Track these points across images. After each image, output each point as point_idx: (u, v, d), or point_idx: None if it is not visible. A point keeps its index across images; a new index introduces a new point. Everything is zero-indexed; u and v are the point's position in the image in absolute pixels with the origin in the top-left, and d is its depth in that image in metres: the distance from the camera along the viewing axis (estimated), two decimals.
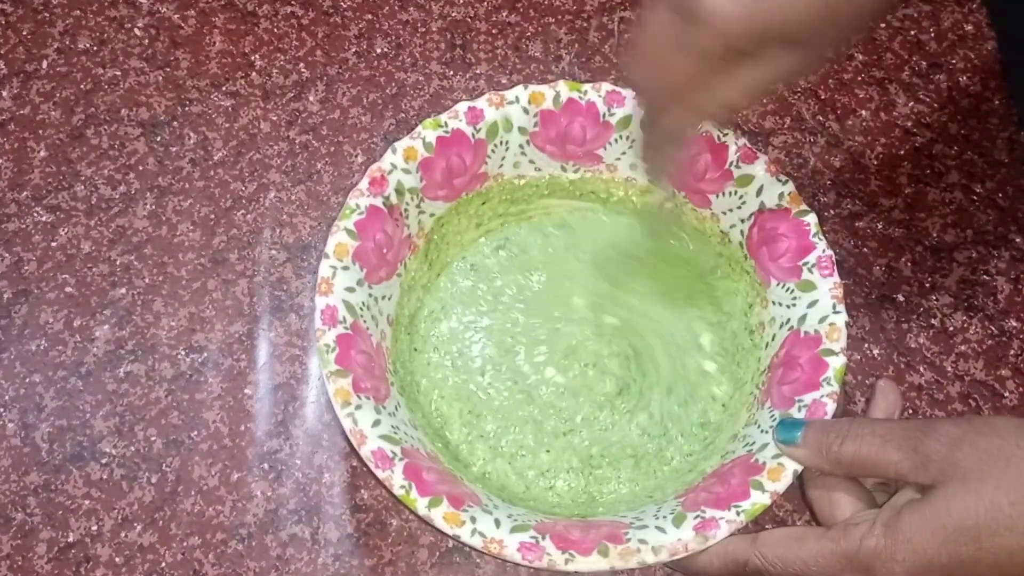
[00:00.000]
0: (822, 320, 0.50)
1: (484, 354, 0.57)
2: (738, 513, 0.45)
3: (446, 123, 0.54)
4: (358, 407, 0.47)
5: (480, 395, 0.56)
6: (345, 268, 0.51)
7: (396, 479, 0.45)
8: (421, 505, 0.45)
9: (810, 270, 0.51)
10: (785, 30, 0.41)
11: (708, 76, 0.43)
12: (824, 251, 0.52)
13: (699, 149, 0.54)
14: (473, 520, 0.45)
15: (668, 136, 0.48)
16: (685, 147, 0.51)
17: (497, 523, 0.45)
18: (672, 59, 0.43)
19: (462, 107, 0.55)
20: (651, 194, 0.58)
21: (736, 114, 0.47)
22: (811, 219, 0.52)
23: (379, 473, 0.45)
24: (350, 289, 0.50)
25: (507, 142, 0.56)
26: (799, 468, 0.46)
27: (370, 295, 0.52)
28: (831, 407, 0.47)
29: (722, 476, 0.48)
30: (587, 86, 0.55)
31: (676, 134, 0.48)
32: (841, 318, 0.50)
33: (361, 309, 0.51)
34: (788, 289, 0.52)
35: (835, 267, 0.51)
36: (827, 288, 0.51)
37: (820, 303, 0.50)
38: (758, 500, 0.45)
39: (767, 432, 0.48)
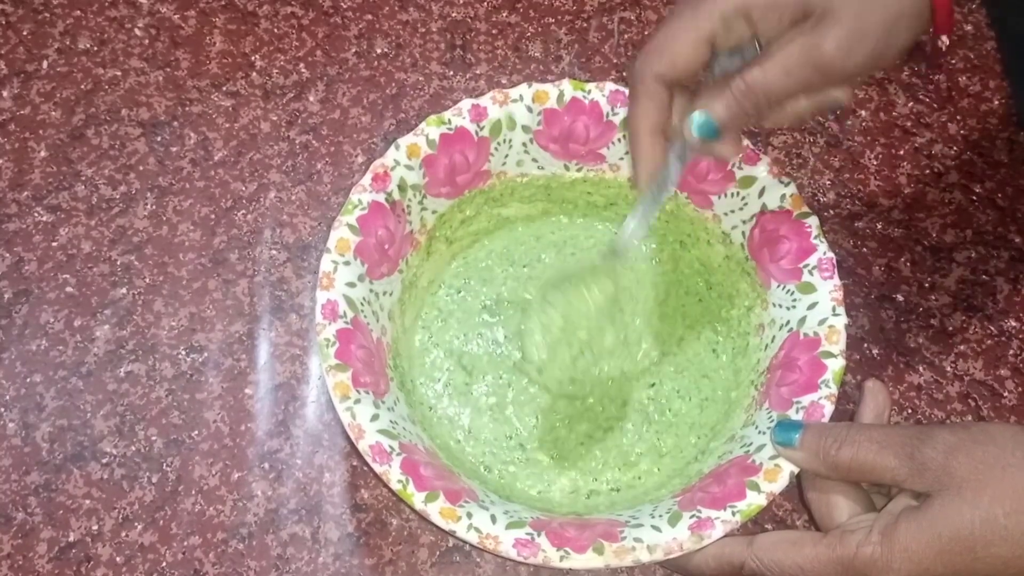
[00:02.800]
0: (822, 322, 0.50)
1: (483, 352, 0.57)
2: (734, 513, 0.45)
3: (450, 120, 0.54)
4: (357, 401, 0.47)
5: (478, 393, 0.56)
6: (347, 263, 0.51)
7: (393, 473, 0.45)
8: (418, 499, 0.45)
9: (811, 272, 0.52)
10: (850, 72, 0.42)
11: (696, 41, 0.43)
12: (825, 253, 0.52)
13: None
14: (469, 516, 0.45)
15: (656, 136, 0.47)
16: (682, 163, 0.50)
17: (493, 519, 0.45)
18: (683, 27, 0.43)
19: (466, 104, 0.55)
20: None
21: (764, 109, 0.46)
22: (812, 221, 0.52)
23: (376, 467, 0.45)
24: (351, 284, 0.50)
25: (510, 140, 0.56)
26: (796, 470, 0.46)
27: (371, 290, 0.52)
28: (829, 409, 0.48)
29: (719, 476, 0.48)
30: (591, 85, 0.55)
31: (698, 129, 0.46)
32: (840, 321, 0.50)
33: (362, 304, 0.51)
34: (788, 291, 0.52)
35: (835, 269, 0.51)
36: (827, 290, 0.51)
37: (820, 305, 0.51)
38: (754, 501, 0.45)
39: (764, 433, 0.48)
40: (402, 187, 0.53)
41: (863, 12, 0.41)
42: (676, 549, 0.45)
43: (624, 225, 0.49)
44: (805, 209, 0.53)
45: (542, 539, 0.45)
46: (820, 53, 0.41)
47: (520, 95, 0.55)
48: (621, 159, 0.57)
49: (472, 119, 0.55)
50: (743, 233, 0.55)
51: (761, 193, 0.54)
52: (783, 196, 0.53)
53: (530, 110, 0.55)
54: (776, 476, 0.46)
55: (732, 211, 0.55)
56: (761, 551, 0.44)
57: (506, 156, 0.56)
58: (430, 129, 0.54)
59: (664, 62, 0.44)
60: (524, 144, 0.56)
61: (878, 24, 0.42)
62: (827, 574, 0.43)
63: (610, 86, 0.55)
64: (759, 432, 0.49)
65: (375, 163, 0.53)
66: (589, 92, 0.55)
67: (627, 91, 0.54)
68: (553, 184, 0.58)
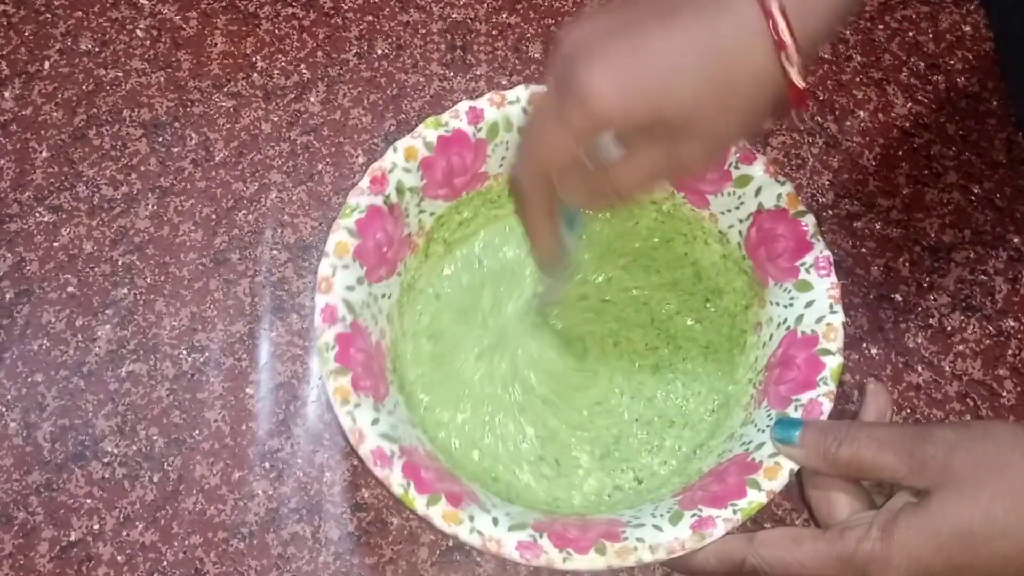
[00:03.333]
0: (819, 320, 0.50)
1: (481, 353, 0.57)
2: (735, 512, 0.45)
3: (447, 122, 0.54)
4: (357, 405, 0.47)
5: (477, 394, 0.56)
6: (345, 267, 0.51)
7: (395, 477, 0.45)
8: (419, 503, 0.45)
9: (807, 270, 0.52)
10: (667, 116, 0.40)
11: (580, 158, 0.42)
12: (822, 251, 0.52)
13: None
14: (471, 518, 0.45)
15: (559, 218, 0.48)
16: (578, 231, 0.51)
17: (495, 521, 0.45)
18: (550, 134, 0.42)
19: (463, 107, 0.55)
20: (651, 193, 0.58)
21: (632, 201, 0.46)
22: (809, 220, 0.53)
23: (378, 472, 0.45)
24: (350, 288, 0.50)
25: (507, 142, 0.56)
26: (795, 467, 0.46)
27: (370, 294, 0.52)
28: (827, 406, 0.48)
29: (719, 475, 0.48)
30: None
31: (566, 218, 0.47)
32: (838, 318, 0.50)
33: (361, 308, 0.51)
34: (785, 289, 0.52)
35: (832, 267, 0.51)
36: (824, 288, 0.51)
37: (817, 303, 0.51)
38: (755, 499, 0.46)
39: (764, 431, 0.48)
40: (400, 190, 0.53)
41: (718, 123, 0.41)
42: (678, 548, 0.45)
43: (540, 295, 0.56)
44: (801, 208, 0.53)
45: (544, 541, 0.45)
46: (680, 162, 0.42)
47: (517, 97, 0.55)
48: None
49: (469, 121, 0.55)
50: (740, 232, 0.55)
51: (757, 192, 0.54)
52: (779, 195, 0.53)
53: (527, 112, 0.55)
54: (776, 474, 0.46)
55: (729, 210, 0.55)
56: (762, 548, 0.44)
57: (503, 158, 0.56)
58: (427, 132, 0.54)
59: (543, 168, 0.44)
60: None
61: (734, 129, 0.42)
62: (827, 570, 0.43)
63: None
64: (758, 430, 0.49)
65: (373, 166, 0.53)
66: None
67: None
68: None
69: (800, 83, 0.40)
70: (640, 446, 0.55)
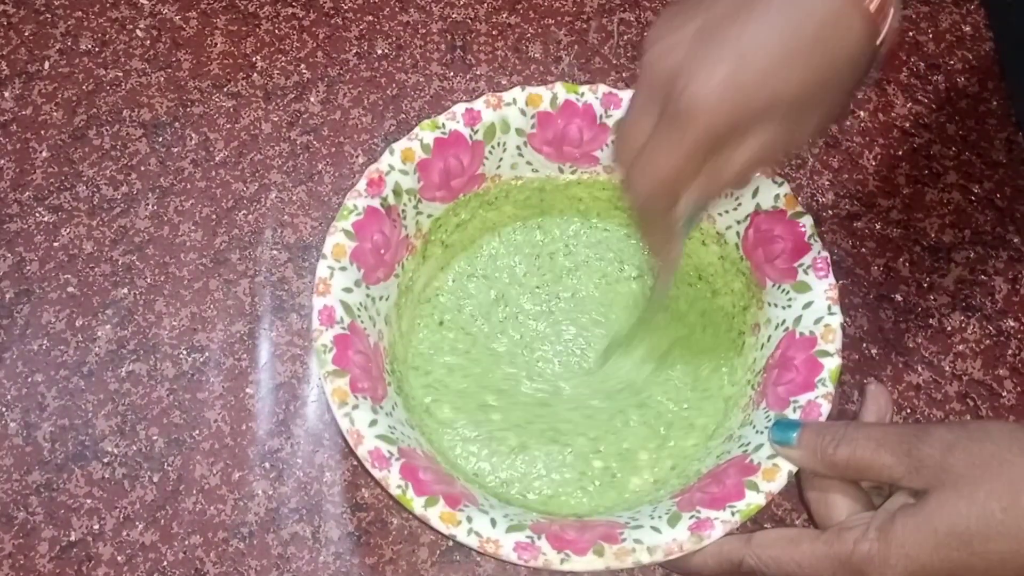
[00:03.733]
0: (817, 321, 0.50)
1: (481, 355, 0.57)
2: (733, 513, 0.45)
3: (444, 124, 0.55)
4: (355, 407, 0.47)
5: (476, 396, 0.56)
6: (343, 269, 0.51)
7: (393, 479, 0.45)
8: (417, 504, 0.45)
9: (805, 271, 0.52)
10: (776, 108, 0.40)
11: (701, 165, 0.42)
12: (819, 253, 0.52)
13: None
14: (469, 520, 0.45)
15: (670, 223, 0.47)
16: (689, 230, 0.51)
17: (493, 523, 0.45)
18: (667, 159, 0.42)
19: (459, 109, 0.55)
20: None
21: (745, 184, 0.47)
22: (806, 221, 0.53)
23: (376, 473, 0.46)
24: (347, 289, 0.51)
25: (504, 144, 0.56)
26: (794, 469, 0.46)
27: (368, 295, 0.52)
28: (826, 408, 0.48)
29: (717, 476, 0.48)
30: (584, 88, 0.55)
31: (679, 225, 0.47)
32: (836, 319, 0.50)
33: (359, 309, 0.51)
34: (783, 290, 0.52)
35: (830, 268, 0.51)
36: (822, 289, 0.51)
37: (815, 304, 0.51)
38: (753, 500, 0.46)
39: (762, 433, 0.48)
40: (397, 192, 0.53)
41: (824, 101, 0.42)
42: (676, 550, 0.45)
43: (654, 289, 0.55)
44: (799, 209, 0.53)
45: (542, 542, 0.45)
46: (788, 142, 0.43)
47: (514, 98, 0.55)
48: (616, 161, 0.57)
49: (466, 123, 0.55)
50: (737, 233, 0.55)
51: (755, 193, 0.54)
52: (777, 196, 0.53)
53: (523, 113, 0.55)
54: (774, 475, 0.46)
55: (726, 211, 0.55)
56: (759, 548, 0.44)
57: (500, 159, 0.57)
58: (424, 133, 0.54)
59: (665, 188, 0.43)
60: (518, 147, 0.56)
61: (839, 101, 0.43)
62: (824, 571, 0.43)
63: (603, 88, 0.56)
64: (757, 432, 0.49)
65: (369, 168, 0.53)
66: (582, 95, 0.55)
67: (620, 93, 0.55)
68: (547, 187, 0.59)
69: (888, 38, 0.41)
70: (639, 447, 0.55)
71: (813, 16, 0.40)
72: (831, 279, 0.51)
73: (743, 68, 0.40)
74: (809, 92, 0.41)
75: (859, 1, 0.40)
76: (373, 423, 0.47)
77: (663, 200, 0.44)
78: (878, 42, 0.41)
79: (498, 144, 0.56)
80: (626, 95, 0.55)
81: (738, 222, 0.55)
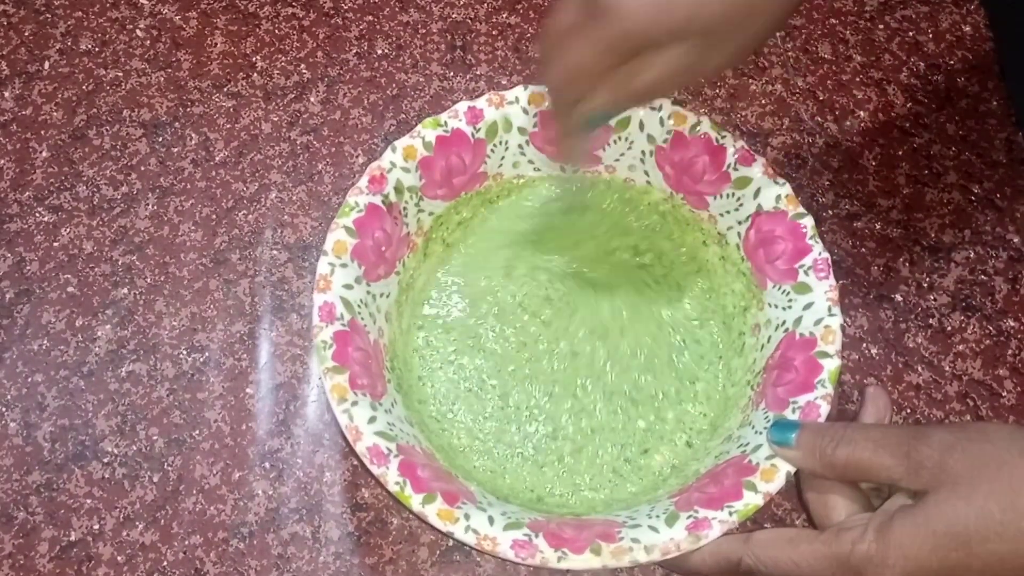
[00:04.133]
0: (817, 322, 0.50)
1: (480, 354, 0.57)
2: (731, 513, 0.45)
3: (446, 122, 0.55)
4: (354, 403, 0.47)
5: (475, 394, 0.56)
6: (343, 265, 0.51)
7: (391, 475, 0.45)
8: (415, 501, 0.45)
9: (806, 272, 0.52)
10: (695, 26, 0.41)
11: (618, 66, 0.43)
12: (820, 254, 0.52)
13: (697, 151, 0.55)
14: (467, 517, 0.45)
15: (582, 123, 0.48)
16: (598, 132, 0.52)
17: (491, 520, 0.45)
18: (580, 51, 0.43)
19: (462, 107, 0.55)
20: (651, 194, 0.58)
21: (651, 99, 0.49)
22: (807, 222, 0.53)
23: (374, 469, 0.46)
24: (348, 286, 0.51)
25: (506, 142, 0.56)
26: (792, 469, 0.46)
27: (368, 292, 0.52)
28: (825, 409, 0.48)
29: (715, 476, 0.48)
30: None
31: (590, 121, 0.48)
32: (836, 321, 0.50)
33: (359, 306, 0.51)
34: (784, 291, 0.52)
35: (831, 269, 0.51)
36: (823, 291, 0.51)
37: (816, 305, 0.51)
38: (751, 501, 0.46)
39: (761, 433, 0.48)
40: (399, 189, 0.53)
41: (747, 29, 0.43)
42: (673, 549, 0.45)
43: (559, 194, 0.58)
44: (800, 210, 0.53)
45: (540, 540, 0.45)
46: (704, 65, 0.44)
47: (516, 97, 0.55)
48: (617, 160, 0.57)
49: (468, 121, 0.55)
50: (739, 234, 0.55)
51: (756, 194, 0.54)
52: (778, 197, 0.53)
53: (526, 112, 0.55)
54: (773, 476, 0.46)
55: (728, 212, 0.55)
56: (757, 548, 0.44)
57: (502, 158, 0.57)
58: (426, 131, 0.54)
59: (572, 81, 0.45)
60: (520, 146, 0.56)
61: (761, 34, 0.44)
62: (822, 571, 0.43)
63: None
64: (756, 432, 0.49)
65: (371, 165, 0.53)
66: None
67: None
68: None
69: None
70: (638, 447, 0.55)
71: None
72: (831, 280, 0.51)
73: None
74: (731, 19, 0.41)
75: None
76: (372, 420, 0.47)
77: (571, 90, 0.45)
78: None
79: (500, 142, 0.56)
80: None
81: (739, 223, 0.55)
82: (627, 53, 0.42)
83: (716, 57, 0.43)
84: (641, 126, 0.55)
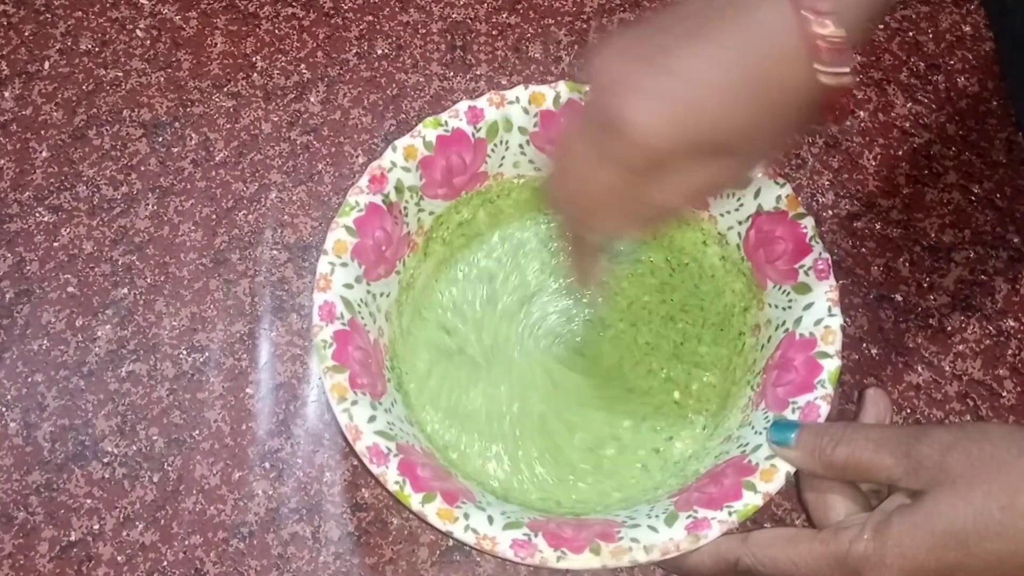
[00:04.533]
0: (817, 323, 0.50)
1: (480, 354, 0.57)
2: (730, 513, 0.45)
3: (446, 122, 0.55)
4: (354, 403, 0.47)
5: (475, 394, 0.56)
6: (344, 265, 0.51)
7: (390, 474, 0.46)
8: (415, 501, 0.45)
9: (806, 273, 0.52)
10: (711, 142, 0.40)
11: (634, 188, 0.42)
12: (820, 254, 0.52)
13: None
14: (466, 516, 0.45)
15: (595, 247, 0.47)
16: (614, 253, 0.51)
17: (490, 520, 0.45)
18: (595, 175, 0.42)
19: (462, 106, 0.55)
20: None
21: (669, 220, 0.47)
22: (808, 222, 0.53)
23: (374, 468, 0.46)
24: (348, 285, 0.51)
25: (507, 142, 0.56)
26: (792, 470, 0.46)
27: (368, 292, 0.52)
28: (824, 409, 0.48)
29: (715, 476, 0.48)
30: (587, 87, 0.55)
31: (605, 245, 0.47)
32: (836, 321, 0.50)
33: (359, 306, 0.51)
34: (784, 292, 0.52)
35: (831, 270, 0.51)
36: (823, 291, 0.51)
37: (816, 306, 0.51)
38: (750, 501, 0.46)
39: (761, 433, 0.48)
40: (399, 189, 0.53)
41: (759, 139, 0.41)
42: (672, 549, 0.45)
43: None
44: (801, 210, 0.53)
45: (539, 539, 0.45)
46: (721, 178, 0.42)
47: (516, 97, 0.55)
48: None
49: (469, 121, 0.55)
50: (739, 234, 0.55)
51: (757, 194, 0.54)
52: (779, 197, 0.53)
53: (526, 112, 0.55)
54: (772, 476, 0.46)
55: (728, 212, 0.55)
56: (756, 547, 0.44)
57: (503, 158, 0.57)
58: (427, 131, 0.54)
59: (588, 206, 0.44)
60: (521, 146, 0.56)
61: (775, 142, 0.43)
62: (820, 570, 0.43)
63: None
64: (755, 432, 0.49)
65: (372, 165, 0.53)
66: (585, 94, 0.55)
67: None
68: None
69: (834, 82, 0.39)
70: (637, 446, 0.55)
71: (753, 50, 0.39)
72: (832, 281, 0.51)
73: (679, 95, 0.39)
74: (744, 127, 0.40)
75: (812, 44, 0.39)
76: (372, 419, 0.47)
77: (587, 217, 0.44)
78: (827, 83, 0.40)
79: (500, 142, 0.56)
80: None
81: (740, 223, 0.55)
82: (644, 174, 0.41)
83: (729, 171, 0.42)
84: None
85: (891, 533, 0.41)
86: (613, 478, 0.54)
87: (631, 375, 0.57)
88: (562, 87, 0.55)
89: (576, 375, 0.57)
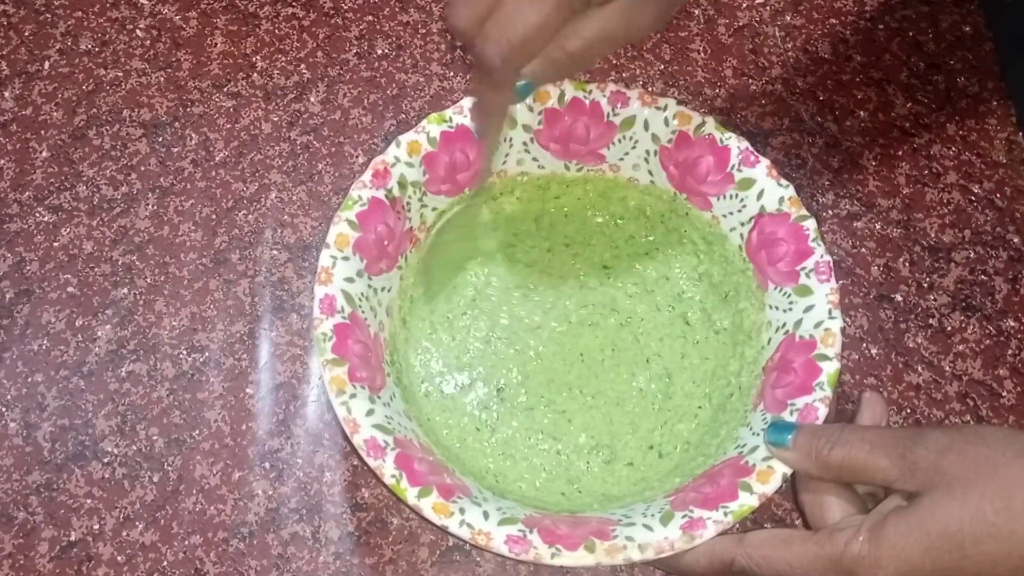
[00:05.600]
0: (817, 325, 0.50)
1: (479, 350, 0.57)
2: (726, 514, 0.45)
3: (451, 118, 0.55)
4: (352, 396, 0.47)
5: (475, 390, 0.56)
6: (345, 258, 0.51)
7: (387, 468, 0.46)
8: (411, 495, 0.45)
9: (807, 275, 0.52)
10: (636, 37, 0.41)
11: (559, 27, 0.42)
12: (822, 256, 0.52)
13: (702, 151, 0.55)
14: (462, 511, 0.45)
15: (504, 94, 0.46)
16: (514, 103, 0.50)
17: (486, 515, 0.45)
18: (528, 14, 0.42)
19: (467, 103, 0.55)
20: (651, 195, 0.58)
21: (576, 70, 0.46)
22: (810, 224, 0.52)
23: (370, 462, 0.46)
24: (349, 279, 0.51)
25: (511, 139, 0.56)
26: (788, 471, 0.46)
27: (369, 286, 0.52)
28: (823, 412, 0.48)
29: (711, 477, 0.48)
30: (592, 86, 0.55)
31: (520, 91, 0.46)
32: (836, 324, 0.50)
33: (360, 299, 0.51)
34: (785, 293, 0.52)
35: (832, 272, 0.51)
36: (824, 293, 0.51)
37: (816, 308, 0.51)
38: (746, 502, 0.46)
39: (758, 435, 0.48)
40: (402, 184, 0.53)
41: None
42: (667, 548, 0.45)
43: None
44: (803, 212, 0.53)
45: (534, 536, 0.45)
46: (633, 25, 0.44)
47: None
48: (621, 159, 0.57)
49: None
50: (741, 235, 0.55)
51: (760, 195, 0.54)
52: (781, 198, 0.53)
53: (531, 109, 0.55)
54: (769, 477, 0.46)
55: (731, 213, 0.55)
56: (751, 548, 0.44)
57: (506, 155, 0.57)
58: (431, 127, 0.54)
59: (525, 58, 0.43)
60: (525, 143, 0.56)
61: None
62: (815, 571, 0.43)
63: (611, 87, 0.55)
64: (753, 433, 0.49)
65: (375, 159, 0.53)
66: (590, 92, 0.55)
67: (628, 91, 0.55)
68: (553, 183, 0.59)
69: None
70: (636, 446, 0.55)
71: None
72: (833, 283, 0.51)
73: None
74: None
75: None
76: (370, 412, 0.47)
77: (518, 57, 0.43)
78: None
79: (504, 140, 0.56)
80: (634, 93, 0.55)
81: (742, 224, 0.55)
82: (570, 13, 0.42)
83: (642, 17, 0.43)
84: (646, 125, 0.55)
85: (886, 535, 0.41)
86: (610, 476, 0.54)
87: (631, 374, 0.57)
88: (567, 85, 0.55)
89: (577, 371, 0.57)
